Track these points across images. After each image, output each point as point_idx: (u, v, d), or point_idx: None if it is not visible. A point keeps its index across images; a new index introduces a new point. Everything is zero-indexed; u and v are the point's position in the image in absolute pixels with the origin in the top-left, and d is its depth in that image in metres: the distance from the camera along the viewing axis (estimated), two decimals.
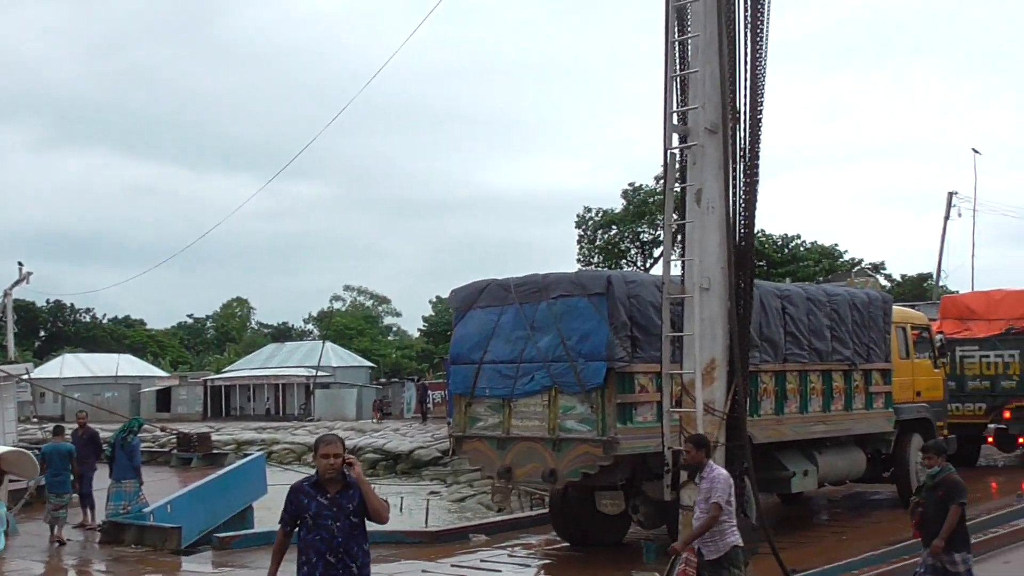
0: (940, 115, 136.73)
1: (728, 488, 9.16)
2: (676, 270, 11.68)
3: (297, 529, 6.72)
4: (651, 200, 50.76)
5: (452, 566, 14.53)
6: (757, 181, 11.21)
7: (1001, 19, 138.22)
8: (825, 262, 52.58)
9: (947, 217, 47.33)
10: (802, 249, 53.56)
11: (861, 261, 56.94)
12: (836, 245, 55.58)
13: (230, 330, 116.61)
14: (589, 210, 56.10)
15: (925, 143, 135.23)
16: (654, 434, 12.20)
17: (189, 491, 17.80)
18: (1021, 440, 24.27)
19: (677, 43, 11.35)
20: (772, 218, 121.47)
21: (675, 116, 11.20)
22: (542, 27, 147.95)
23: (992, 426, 24.16)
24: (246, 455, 25.46)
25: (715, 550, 9.07)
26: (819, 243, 54.87)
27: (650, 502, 13.58)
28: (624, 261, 54.14)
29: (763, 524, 12.09)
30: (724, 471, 9.41)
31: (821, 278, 40.03)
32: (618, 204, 55.55)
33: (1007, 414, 23.69)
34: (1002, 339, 24.00)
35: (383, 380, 69.20)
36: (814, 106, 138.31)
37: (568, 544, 15.47)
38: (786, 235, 54.52)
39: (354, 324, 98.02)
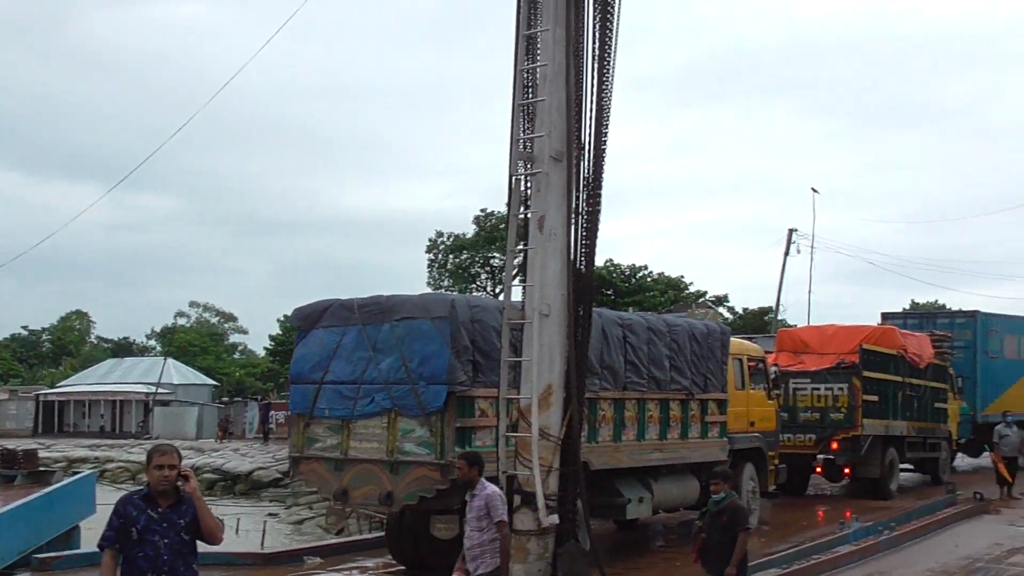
0: (785, 154, 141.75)
1: (504, 505, 9.16)
2: (519, 296, 11.77)
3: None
4: (502, 226, 51.28)
5: None
6: (599, 210, 11.37)
7: (846, 65, 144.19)
8: (671, 293, 53.96)
9: (787, 253, 48.99)
10: (649, 280, 54.88)
11: (705, 293, 58.70)
12: (682, 277, 57.28)
13: (67, 344, 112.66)
14: (441, 234, 56.61)
15: (770, 180, 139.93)
16: (492, 459, 12.19)
17: (8, 510, 17.04)
18: (847, 470, 25.17)
19: (527, 71, 11.46)
20: (621, 249, 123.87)
21: (521, 143, 11.30)
22: (403, 50, 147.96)
23: (821, 456, 24.95)
24: (76, 473, 24.62)
25: (483, 566, 9.05)
26: (666, 274, 56.33)
27: None
28: (474, 286, 54.61)
29: (595, 550, 12.21)
30: (497, 488, 9.40)
31: (662, 308, 40.98)
32: (471, 229, 56.03)
33: (835, 445, 24.52)
34: (833, 372, 24.85)
35: (226, 399, 67.84)
36: (666, 141, 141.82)
37: (404, 568, 15.35)
38: (634, 266, 55.86)
39: (198, 341, 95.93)
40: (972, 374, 33.25)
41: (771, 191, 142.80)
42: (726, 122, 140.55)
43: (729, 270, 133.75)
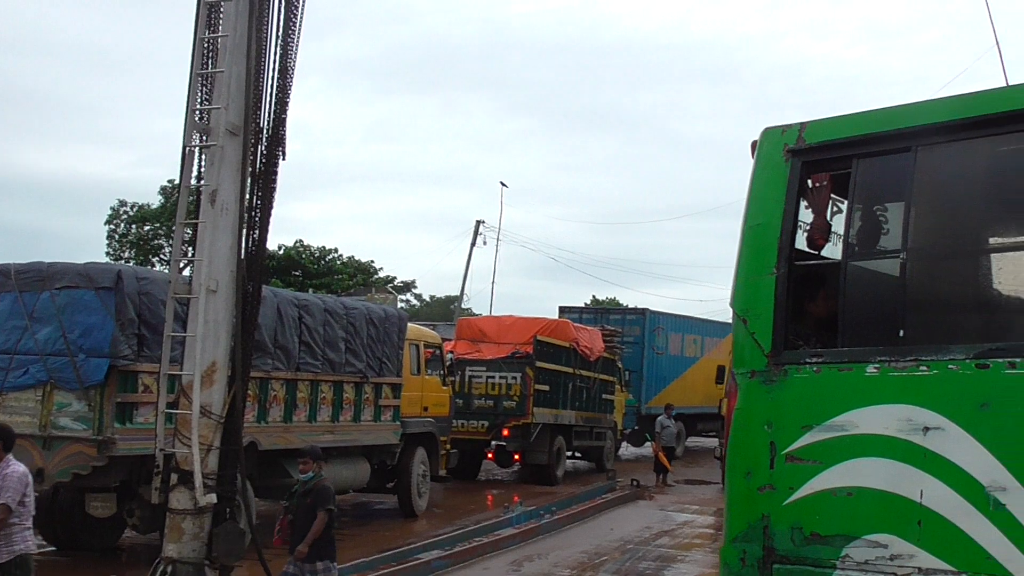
0: (482, 148, 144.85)
1: (23, 488, 8.48)
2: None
3: None
4: (190, 199, 49.82)
5: None
6: (274, 188, 11.20)
7: (543, 67, 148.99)
8: (360, 277, 54.03)
9: (473, 244, 50.15)
10: (339, 263, 54.69)
11: (394, 279, 59.08)
12: (372, 262, 57.36)
13: None
14: (124, 204, 54.22)
15: (467, 173, 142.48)
16: (154, 436, 11.88)
17: None
18: (517, 457, 26.14)
19: (208, 41, 11.17)
20: (313, 231, 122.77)
21: (198, 114, 11.01)
22: (94, 10, 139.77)
23: (493, 443, 25.81)
24: None
25: (2, 555, 8.45)
26: (356, 258, 56.29)
27: (146, 506, 13.20)
28: (157, 258, 52.67)
29: (252, 530, 12.09)
30: (23, 468, 8.75)
31: (342, 292, 41.00)
32: (157, 200, 54.08)
33: (506, 432, 25.43)
34: (507, 362, 25.72)
35: None
36: (366, 127, 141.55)
37: (55, 548, 14.66)
38: (324, 248, 55.47)
39: None
40: (639, 368, 35.30)
41: (467, 183, 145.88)
42: (427, 112, 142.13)
43: (421, 258, 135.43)
